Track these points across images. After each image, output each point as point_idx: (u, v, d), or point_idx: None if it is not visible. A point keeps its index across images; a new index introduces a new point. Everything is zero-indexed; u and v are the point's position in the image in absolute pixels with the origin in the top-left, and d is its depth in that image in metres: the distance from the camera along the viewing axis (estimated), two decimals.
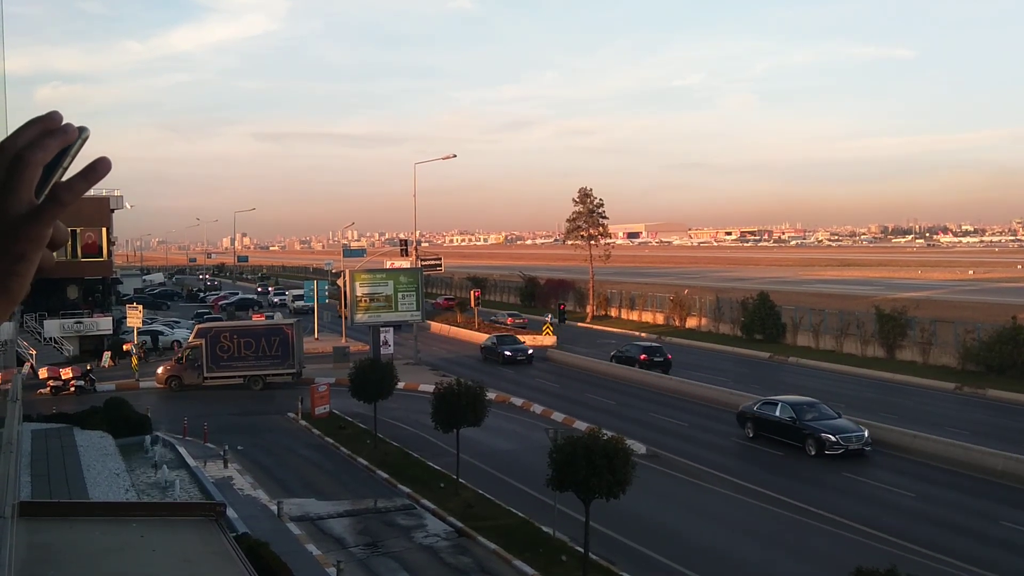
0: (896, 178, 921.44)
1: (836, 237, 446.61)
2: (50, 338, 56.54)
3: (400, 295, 56.34)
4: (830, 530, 25.54)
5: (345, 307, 58.87)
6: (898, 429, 35.15)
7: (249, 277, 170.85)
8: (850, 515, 26.43)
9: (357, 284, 55.61)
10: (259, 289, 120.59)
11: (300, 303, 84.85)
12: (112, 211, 59.13)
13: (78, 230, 56.55)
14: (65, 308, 57.88)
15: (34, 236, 1.32)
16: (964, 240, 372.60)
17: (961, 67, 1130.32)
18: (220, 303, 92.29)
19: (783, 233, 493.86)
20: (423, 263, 63.62)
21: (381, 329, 54.67)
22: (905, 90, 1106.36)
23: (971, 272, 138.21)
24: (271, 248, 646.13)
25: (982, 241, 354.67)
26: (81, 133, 1.44)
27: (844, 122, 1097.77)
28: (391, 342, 55.96)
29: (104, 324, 58.07)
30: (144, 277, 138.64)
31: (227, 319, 68.82)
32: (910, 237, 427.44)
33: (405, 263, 63.80)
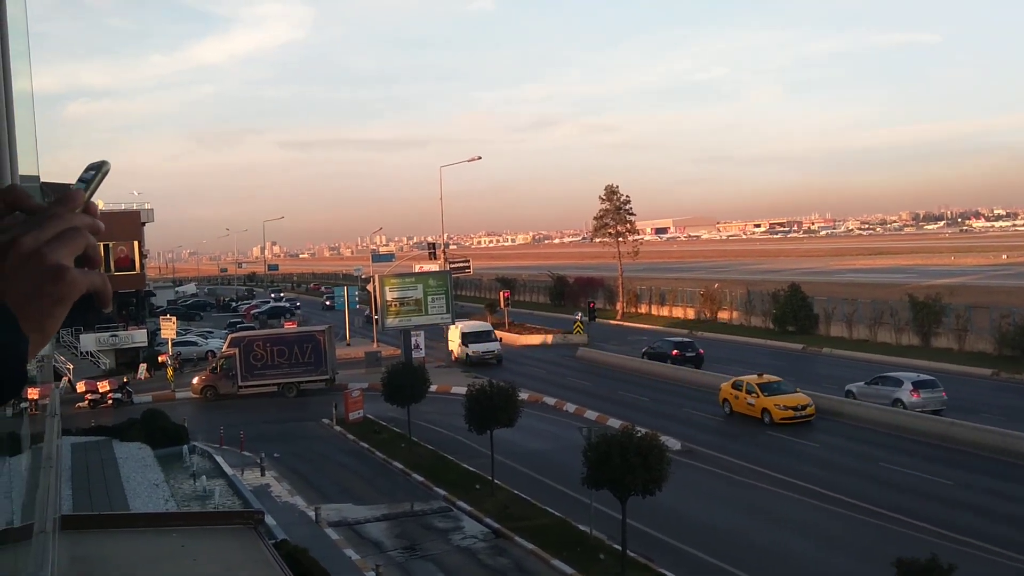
0: (926, 164, 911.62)
1: (866, 226, 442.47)
2: (86, 352, 57.06)
3: (430, 298, 56.25)
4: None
5: (376, 312, 58.87)
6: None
7: (286, 285, 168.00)
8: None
9: (387, 289, 55.57)
10: (327, 303, 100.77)
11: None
12: (143, 224, 59.70)
13: (111, 244, 57.16)
14: (100, 322, 58.36)
15: (67, 290, 1.42)
16: (997, 224, 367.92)
17: (988, 49, 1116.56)
18: (252, 312, 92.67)
19: (812, 224, 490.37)
20: (451, 266, 63.57)
21: (412, 332, 54.70)
22: (932, 75, 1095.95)
23: (1004, 256, 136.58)
24: (301, 256, 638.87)
25: (1014, 225, 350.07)
26: (102, 167, 1.54)
27: (871, 110, 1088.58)
28: (422, 345, 55.89)
29: (139, 336, 58.57)
30: (177, 288, 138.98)
31: (259, 328, 69.04)
32: (941, 223, 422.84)
33: (434, 266, 63.76)
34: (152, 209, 60.95)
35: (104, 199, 61.33)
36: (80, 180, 1.50)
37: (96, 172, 1.52)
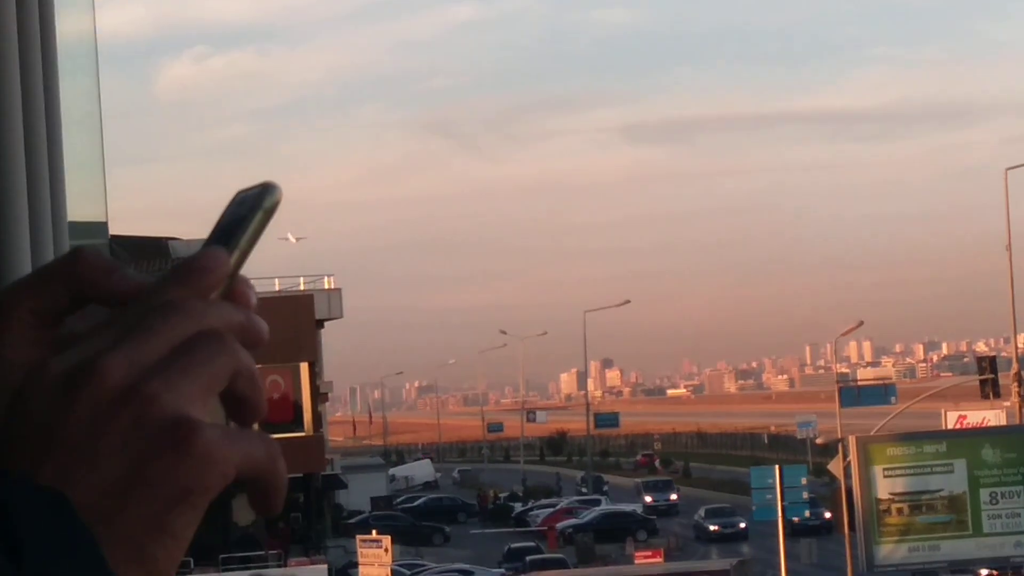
0: None
1: None
2: None
3: (986, 493, 26.91)
4: None
5: (852, 525, 28.43)
6: None
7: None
8: None
9: (878, 470, 27.93)
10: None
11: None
12: (319, 324, 28.61)
13: None
14: (228, 552, 28.39)
15: (212, 467, 0.67)
16: None
17: None
18: (563, 527, 52.84)
19: None
20: None
21: None
22: None
23: None
24: (670, 391, 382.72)
25: None
26: (263, 197, 0.69)
27: None
28: None
29: None
30: (393, 470, 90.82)
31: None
32: None
33: (995, 415, 31.07)
34: (340, 291, 29.41)
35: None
36: (220, 229, 0.70)
37: (252, 209, 0.69)
